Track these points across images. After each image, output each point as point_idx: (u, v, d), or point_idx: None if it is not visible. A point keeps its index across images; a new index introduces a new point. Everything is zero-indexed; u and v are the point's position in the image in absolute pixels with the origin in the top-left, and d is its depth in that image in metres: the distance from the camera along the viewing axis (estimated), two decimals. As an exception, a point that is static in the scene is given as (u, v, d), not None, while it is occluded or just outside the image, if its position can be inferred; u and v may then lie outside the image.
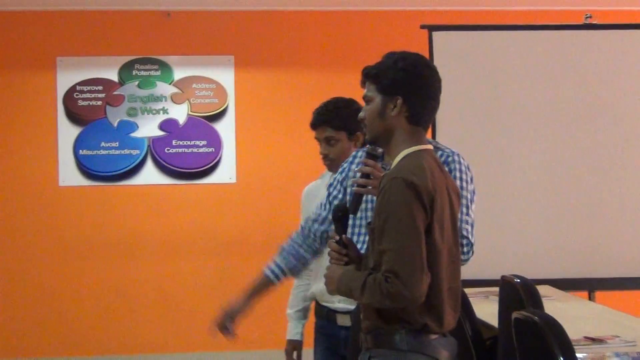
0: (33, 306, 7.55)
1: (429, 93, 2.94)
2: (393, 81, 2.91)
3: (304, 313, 4.36)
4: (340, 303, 4.03)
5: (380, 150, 3.18)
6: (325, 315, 4.11)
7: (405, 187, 2.75)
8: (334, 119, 4.03)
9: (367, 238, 3.45)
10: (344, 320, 4.01)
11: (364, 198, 3.35)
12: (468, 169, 3.43)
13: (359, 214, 3.46)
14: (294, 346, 4.33)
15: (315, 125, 4.09)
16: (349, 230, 4.02)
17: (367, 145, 3.25)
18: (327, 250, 4.07)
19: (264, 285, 3.86)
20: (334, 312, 4.06)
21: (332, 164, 4.06)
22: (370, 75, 2.98)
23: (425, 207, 2.76)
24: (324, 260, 4.10)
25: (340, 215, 3.09)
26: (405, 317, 2.80)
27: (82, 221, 7.59)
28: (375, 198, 3.24)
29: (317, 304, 4.17)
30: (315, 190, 4.31)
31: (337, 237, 3.04)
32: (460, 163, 3.39)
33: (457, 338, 2.96)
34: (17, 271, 7.56)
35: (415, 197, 2.75)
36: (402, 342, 2.81)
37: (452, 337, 2.91)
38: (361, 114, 3.02)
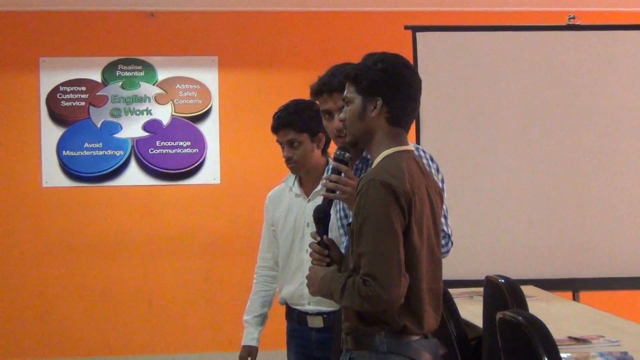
0: (16, 308, 7.54)
1: (409, 94, 2.93)
2: (373, 82, 2.90)
3: (261, 319, 4.32)
4: (310, 305, 4.01)
5: (348, 155, 3.15)
6: (296, 318, 4.09)
7: (382, 188, 2.76)
8: (296, 122, 4.00)
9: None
10: (314, 322, 4.00)
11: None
12: (431, 159, 3.41)
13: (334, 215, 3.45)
14: (249, 352, 4.29)
15: (277, 128, 4.06)
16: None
17: (336, 151, 3.22)
18: (293, 255, 4.10)
19: None
20: (305, 314, 4.03)
21: (296, 166, 4.05)
22: (349, 76, 2.97)
23: (402, 209, 2.76)
24: (291, 265, 4.12)
25: (322, 216, 3.08)
26: (384, 318, 2.81)
27: (66, 222, 7.58)
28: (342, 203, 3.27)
29: (288, 307, 4.15)
30: (279, 197, 4.31)
31: (319, 239, 3.03)
32: (421, 157, 3.32)
33: (441, 338, 2.98)
34: (0, 272, 7.54)
35: (393, 199, 2.75)
36: (381, 344, 2.82)
37: (433, 338, 2.93)
38: (341, 115, 3.02)
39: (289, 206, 4.17)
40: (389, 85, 2.90)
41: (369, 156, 3.21)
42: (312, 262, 3.06)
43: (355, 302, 2.78)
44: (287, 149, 4.03)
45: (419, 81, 2.97)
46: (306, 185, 4.12)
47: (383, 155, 2.91)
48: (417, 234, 2.81)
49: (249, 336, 4.28)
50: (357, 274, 2.78)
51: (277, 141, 4.10)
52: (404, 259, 2.75)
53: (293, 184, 4.19)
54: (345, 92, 3.00)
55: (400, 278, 2.73)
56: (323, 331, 3.97)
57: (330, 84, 3.46)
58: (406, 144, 2.96)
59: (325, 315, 3.97)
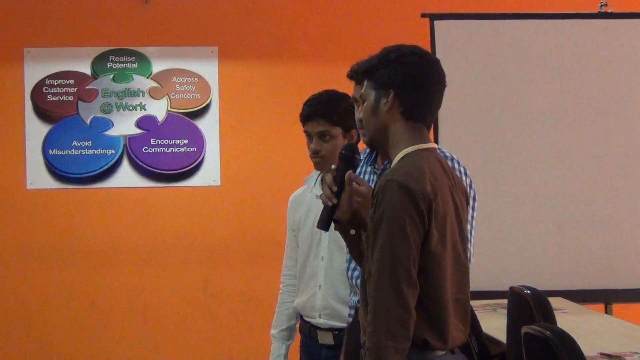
0: (-1, 320, 7.55)
1: (423, 85, 2.93)
2: (384, 74, 2.93)
3: (288, 333, 4.34)
4: (321, 319, 4.05)
5: (356, 156, 3.15)
6: (307, 332, 4.13)
7: (399, 191, 2.76)
8: (330, 112, 3.98)
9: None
10: (325, 339, 4.03)
11: None
12: (465, 174, 3.41)
13: None
14: None
15: (309, 117, 4.03)
16: (327, 247, 4.02)
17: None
18: (309, 261, 4.12)
19: None
20: (316, 328, 4.08)
21: (322, 161, 4.01)
22: (363, 71, 3.00)
23: (421, 214, 2.76)
24: (305, 273, 4.13)
25: (350, 155, 3.08)
26: None
27: (52, 227, 7.58)
28: None
29: (302, 319, 4.19)
30: (300, 198, 4.30)
31: (334, 174, 3.06)
32: (454, 168, 3.32)
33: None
34: (-19, 281, 7.55)
35: (410, 203, 2.75)
36: None
37: (461, 354, 2.91)
38: (359, 115, 3.03)
39: (308, 208, 4.18)
40: (400, 77, 2.91)
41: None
42: (320, 196, 3.10)
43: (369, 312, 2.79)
44: (316, 141, 3.99)
45: (439, 73, 2.98)
46: None
47: (402, 154, 2.92)
48: (439, 240, 2.80)
49: (276, 352, 4.34)
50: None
51: (305, 131, 4.06)
52: (415, 269, 2.75)
53: (315, 184, 4.18)
54: (362, 88, 3.02)
55: (410, 289, 2.74)
56: (334, 349, 4.00)
57: (359, 72, 3.40)
58: (427, 141, 2.97)
59: (336, 332, 3.99)
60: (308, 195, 4.22)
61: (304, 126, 4.07)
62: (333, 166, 3.10)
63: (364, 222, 3.01)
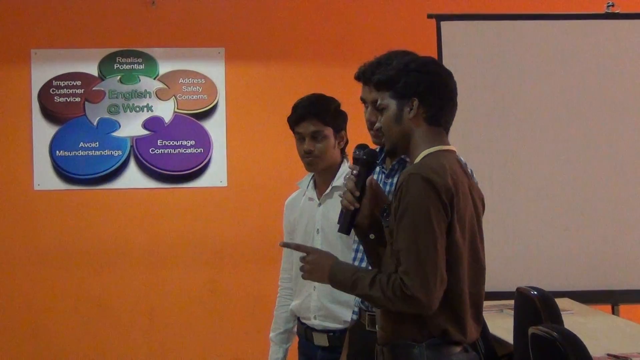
0: (5, 321, 7.55)
1: (446, 92, 3.05)
2: (407, 84, 3.01)
3: (286, 336, 4.36)
4: (316, 320, 4.08)
5: (369, 156, 3.20)
6: (303, 334, 4.18)
7: (423, 183, 2.83)
8: (322, 113, 4.03)
9: (357, 255, 3.51)
10: (320, 340, 4.07)
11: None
12: (472, 175, 3.44)
13: None
14: None
15: (301, 118, 4.05)
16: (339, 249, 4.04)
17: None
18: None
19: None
20: (311, 330, 4.11)
21: (314, 161, 4.05)
22: (381, 82, 3.08)
23: (444, 205, 2.84)
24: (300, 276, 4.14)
25: (370, 161, 3.15)
26: (423, 323, 2.86)
27: (59, 228, 7.59)
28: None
29: (299, 321, 4.21)
30: (294, 202, 4.33)
31: (355, 178, 3.11)
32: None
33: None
34: (-12, 283, 7.57)
35: (434, 194, 2.83)
36: (421, 356, 2.87)
37: (474, 352, 2.95)
38: (377, 124, 3.12)
39: (301, 211, 4.21)
40: (424, 84, 3.01)
41: (407, 158, 3.26)
42: (340, 201, 3.14)
43: (385, 298, 2.84)
44: (309, 141, 4.03)
45: (454, 82, 3.10)
46: (320, 187, 4.13)
47: (424, 154, 2.99)
48: (460, 233, 2.88)
49: (273, 356, 4.37)
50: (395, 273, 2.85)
51: (296, 133, 4.09)
52: (444, 258, 2.81)
53: (307, 187, 4.20)
54: (378, 100, 3.11)
55: (437, 278, 2.79)
56: (328, 350, 4.03)
57: (366, 74, 3.48)
58: (447, 143, 3.06)
59: (330, 334, 4.02)
60: (301, 197, 4.24)
61: (294, 129, 4.09)
62: (354, 171, 3.14)
63: (382, 228, 3.06)
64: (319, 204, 4.08)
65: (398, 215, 2.85)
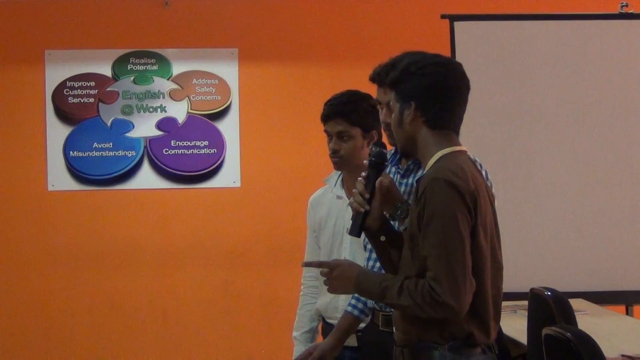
0: (18, 322, 7.56)
1: (445, 94, 3.00)
2: (406, 87, 3.01)
3: (311, 335, 4.35)
4: None
5: (386, 163, 3.22)
6: None
7: (447, 187, 2.83)
8: (350, 112, 4.02)
9: (371, 255, 3.50)
10: (350, 340, 4.02)
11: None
12: (487, 177, 3.44)
13: None
14: None
15: (328, 117, 4.07)
16: (349, 248, 4.03)
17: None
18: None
19: (352, 324, 3.78)
20: None
21: (340, 161, 4.05)
22: (391, 82, 3.08)
23: (469, 209, 2.84)
24: None
25: (379, 162, 3.15)
26: (448, 326, 2.86)
27: (73, 228, 7.60)
28: None
29: (324, 322, 4.18)
30: (320, 199, 4.31)
31: (365, 180, 3.11)
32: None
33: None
34: (2, 282, 7.57)
35: (459, 198, 2.83)
36: (443, 358, 2.87)
37: (492, 353, 2.94)
38: (385, 120, 3.15)
39: (329, 209, 4.19)
40: (420, 88, 2.98)
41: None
42: (350, 204, 3.13)
43: (416, 306, 2.83)
44: (335, 141, 4.04)
45: (461, 78, 3.05)
46: (349, 185, 4.11)
47: (439, 155, 2.98)
48: (483, 236, 2.88)
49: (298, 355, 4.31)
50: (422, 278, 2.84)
51: (325, 131, 4.09)
52: (470, 263, 2.81)
53: (335, 185, 4.19)
54: (385, 92, 3.20)
55: (466, 283, 2.80)
56: (356, 351, 3.99)
57: (381, 75, 3.48)
58: (458, 144, 3.04)
59: (359, 333, 3.98)
60: (329, 195, 4.22)
61: (324, 126, 4.10)
62: (363, 174, 3.14)
63: (393, 230, 3.06)
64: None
65: (424, 221, 2.84)
